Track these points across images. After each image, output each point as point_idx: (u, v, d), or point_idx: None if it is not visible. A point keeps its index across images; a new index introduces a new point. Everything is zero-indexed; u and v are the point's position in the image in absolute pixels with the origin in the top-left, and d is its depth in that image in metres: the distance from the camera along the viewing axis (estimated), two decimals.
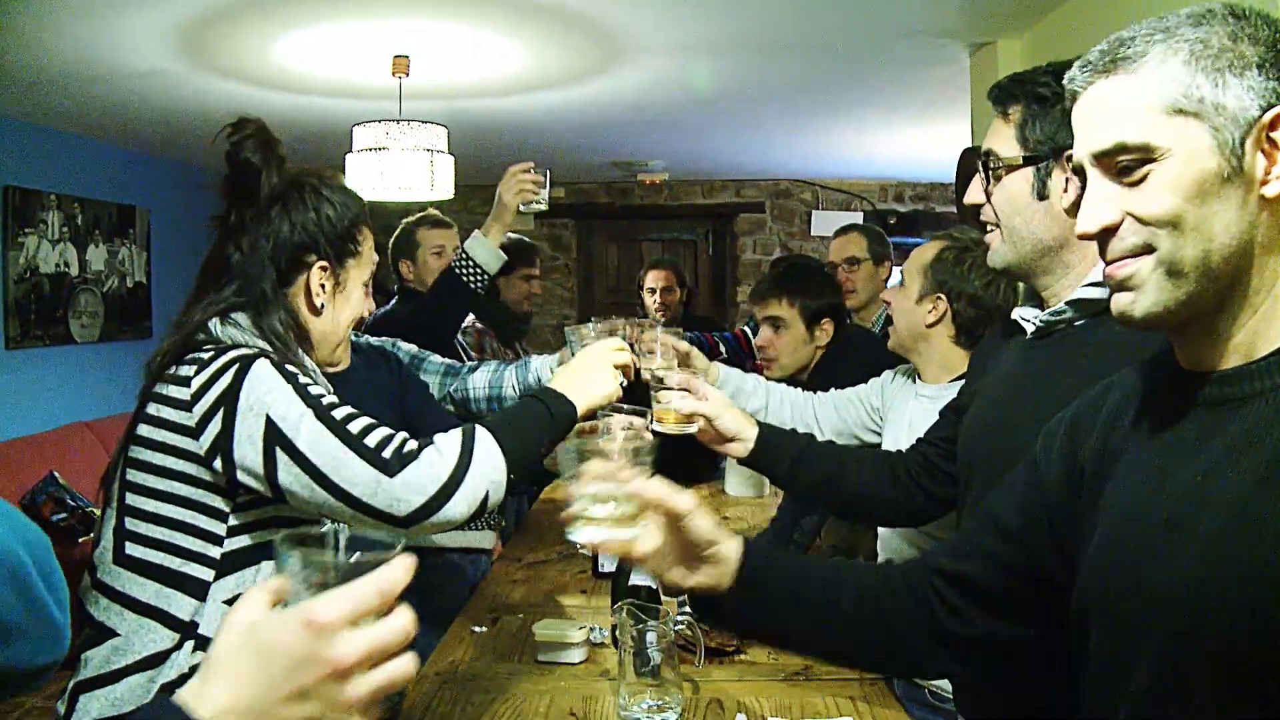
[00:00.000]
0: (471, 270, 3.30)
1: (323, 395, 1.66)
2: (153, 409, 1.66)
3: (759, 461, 2.20)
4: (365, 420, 1.68)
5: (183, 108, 5.56)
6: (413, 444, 1.67)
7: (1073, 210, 1.62)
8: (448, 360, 3.04)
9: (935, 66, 4.97)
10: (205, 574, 1.66)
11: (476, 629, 2.67)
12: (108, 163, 6.94)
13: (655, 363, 2.43)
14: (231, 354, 1.64)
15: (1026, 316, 1.75)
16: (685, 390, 2.14)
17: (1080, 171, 1.15)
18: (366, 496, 1.60)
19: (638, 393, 2.43)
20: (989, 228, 1.74)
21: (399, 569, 0.87)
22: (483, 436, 1.70)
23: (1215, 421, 1.09)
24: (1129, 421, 1.22)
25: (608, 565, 3.08)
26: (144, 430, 1.66)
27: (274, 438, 1.59)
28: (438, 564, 3.26)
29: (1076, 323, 1.65)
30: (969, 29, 4.43)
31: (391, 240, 4.04)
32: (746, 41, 4.66)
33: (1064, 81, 1.17)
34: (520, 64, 4.94)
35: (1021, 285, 1.84)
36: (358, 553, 0.90)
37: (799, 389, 2.82)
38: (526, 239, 4.36)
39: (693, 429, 2.15)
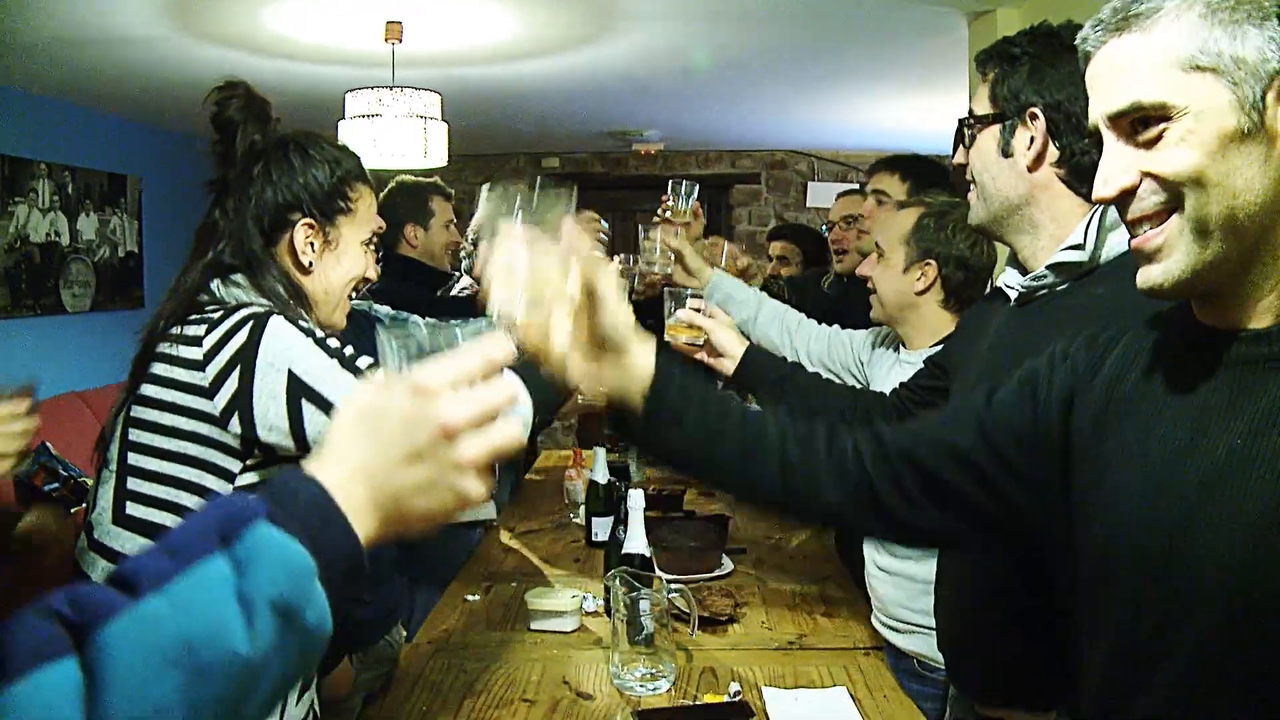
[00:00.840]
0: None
1: (343, 347, 1.64)
2: (160, 369, 1.62)
3: (742, 376, 2.29)
4: None
5: (174, 74, 5.51)
6: None
7: (1034, 165, 1.64)
8: (433, 320, 3.03)
9: (933, 36, 4.92)
10: None
11: (469, 597, 2.67)
12: (99, 131, 6.87)
13: (655, 266, 2.49)
14: (244, 312, 1.61)
15: (1010, 283, 1.75)
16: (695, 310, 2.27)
17: (1097, 135, 1.13)
18: None
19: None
20: (970, 188, 1.76)
21: (498, 342, 0.90)
22: (511, 379, 1.65)
23: (1251, 382, 1.06)
24: (1138, 374, 1.19)
25: (601, 534, 3.08)
26: (150, 390, 1.63)
27: (298, 390, 1.57)
28: (445, 532, 3.23)
29: (1059, 288, 1.66)
30: None
31: (393, 201, 3.77)
32: (743, 9, 4.61)
33: (1076, 42, 1.14)
34: (515, 30, 4.89)
35: (1005, 251, 1.84)
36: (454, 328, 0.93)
37: (799, 312, 2.81)
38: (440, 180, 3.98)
39: (700, 349, 2.30)
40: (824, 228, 4.48)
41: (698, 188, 2.83)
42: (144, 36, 4.85)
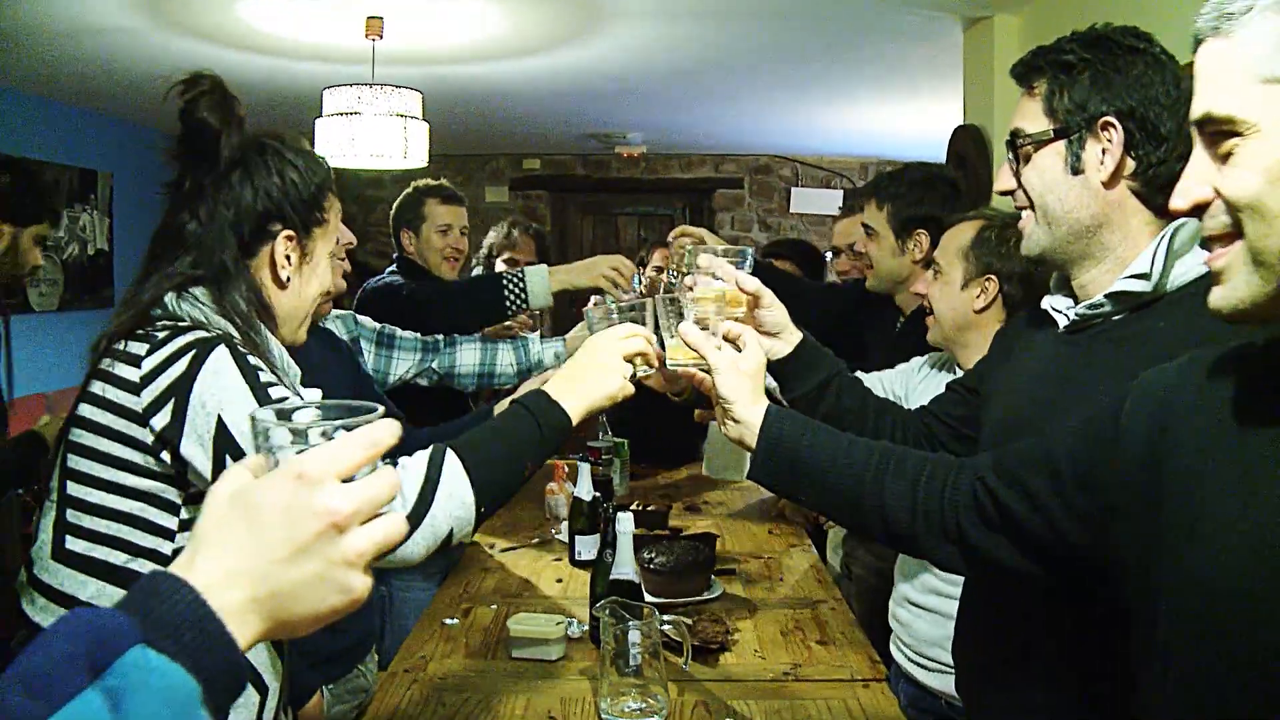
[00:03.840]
0: (517, 292, 3.17)
1: (285, 398, 1.49)
2: (97, 387, 1.49)
3: (789, 369, 1.93)
4: None
5: (145, 68, 5.36)
6: None
7: (1112, 182, 1.52)
8: (418, 335, 2.95)
9: (926, 41, 4.84)
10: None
11: (447, 621, 2.55)
12: (69, 125, 6.70)
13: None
14: (189, 336, 1.49)
15: (1058, 307, 1.62)
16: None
17: (1181, 142, 1.02)
18: None
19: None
20: (1024, 213, 1.62)
21: (385, 428, 0.83)
22: (451, 465, 1.50)
23: None
24: (1228, 413, 1.06)
25: (585, 553, 2.97)
26: (87, 411, 1.50)
27: (225, 443, 1.43)
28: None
29: (1114, 317, 1.53)
30: (963, 3, 4.30)
31: (395, 205, 3.88)
32: (730, 8, 4.51)
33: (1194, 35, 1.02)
34: (498, 27, 4.78)
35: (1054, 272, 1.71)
36: (339, 418, 0.85)
37: None
38: (448, 184, 3.99)
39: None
40: (828, 254, 4.36)
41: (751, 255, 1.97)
42: (115, 28, 4.71)
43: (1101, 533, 1.18)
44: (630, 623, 1.99)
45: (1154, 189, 1.50)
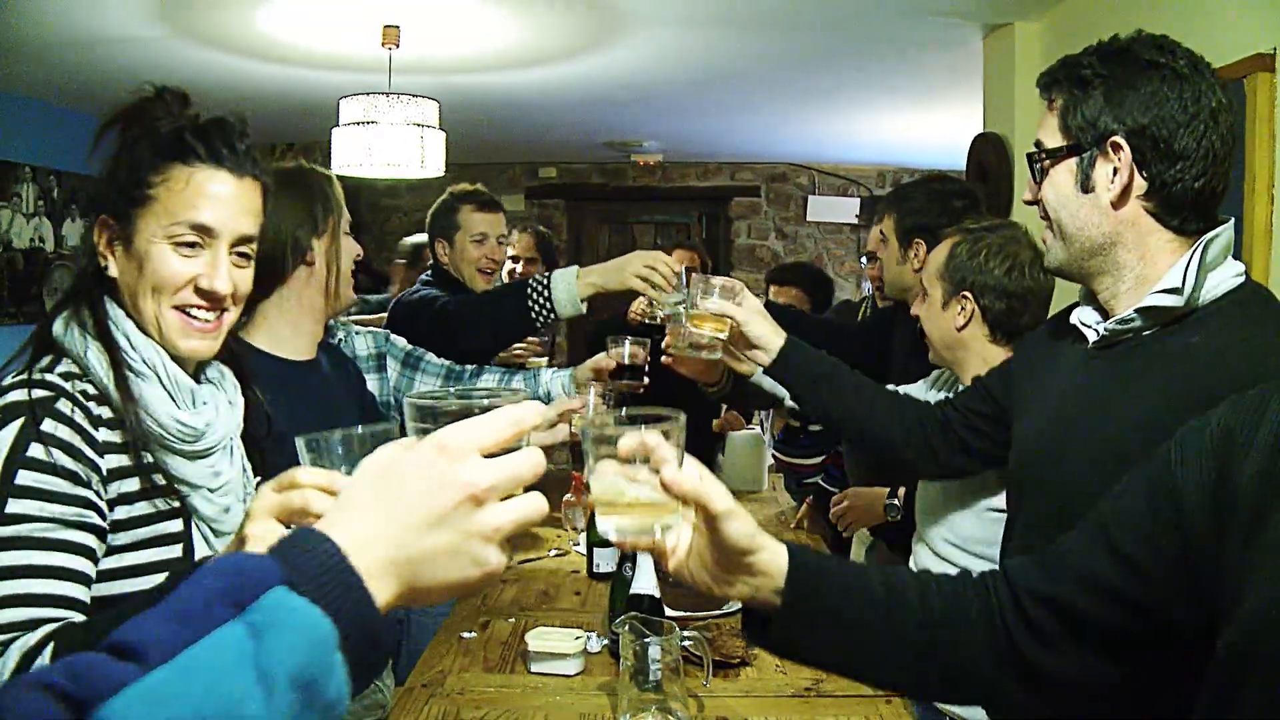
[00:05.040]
0: (542, 301, 2.85)
1: (18, 510, 1.32)
2: None
3: (778, 372, 2.16)
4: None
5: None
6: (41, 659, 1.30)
7: (1121, 201, 1.49)
8: (447, 361, 2.87)
9: (946, 48, 4.82)
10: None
11: (465, 635, 2.52)
12: (87, 134, 6.64)
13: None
14: (11, 397, 1.38)
15: (1088, 322, 1.60)
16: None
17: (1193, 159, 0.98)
18: None
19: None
20: (1045, 225, 1.61)
21: (529, 408, 0.85)
22: None
23: None
24: None
25: (604, 565, 2.94)
26: None
27: None
28: None
29: (1145, 333, 1.50)
30: (984, 9, 4.28)
31: (430, 212, 3.68)
32: (748, 16, 4.50)
33: None
34: (515, 37, 4.78)
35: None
36: (485, 397, 0.88)
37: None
38: (485, 190, 3.75)
39: (716, 354, 2.20)
40: (863, 259, 4.35)
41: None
42: (133, 38, 4.73)
43: (1176, 597, 1.11)
44: (650, 638, 1.96)
45: (1170, 209, 1.48)
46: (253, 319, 2.13)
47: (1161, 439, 1.15)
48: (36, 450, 1.33)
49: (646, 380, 2.77)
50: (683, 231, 9.33)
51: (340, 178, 2.39)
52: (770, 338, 2.15)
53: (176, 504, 1.51)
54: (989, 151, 4.35)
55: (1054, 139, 1.54)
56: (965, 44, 4.69)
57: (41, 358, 1.45)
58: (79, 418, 1.39)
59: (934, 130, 7.01)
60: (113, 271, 1.48)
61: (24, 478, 1.32)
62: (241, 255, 1.53)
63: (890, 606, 1.20)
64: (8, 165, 6.04)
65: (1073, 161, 1.52)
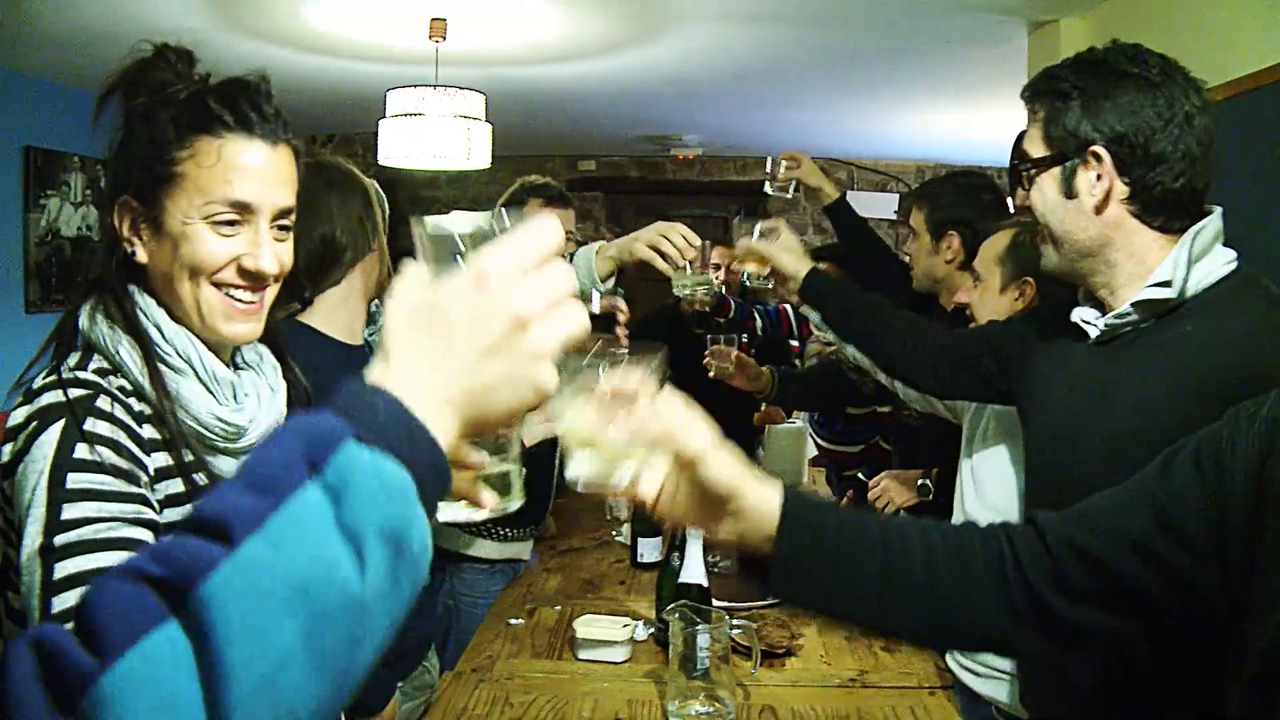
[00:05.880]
0: None
1: (76, 515, 1.19)
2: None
3: (806, 295, 2.33)
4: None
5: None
6: None
7: (1103, 206, 1.55)
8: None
9: (990, 45, 4.80)
10: None
11: (512, 621, 2.55)
12: None
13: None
14: (45, 400, 1.25)
15: (1088, 319, 1.66)
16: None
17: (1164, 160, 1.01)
18: None
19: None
20: (1039, 233, 1.69)
21: (549, 224, 0.83)
22: None
23: None
24: None
25: (647, 555, 2.98)
26: None
27: (47, 560, 1.17)
28: (487, 571, 3.09)
29: (1142, 325, 1.57)
30: (1030, 6, 4.25)
31: (498, 205, 3.52)
32: (792, 11, 4.50)
33: None
34: (561, 30, 4.80)
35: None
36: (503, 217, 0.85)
37: None
38: (555, 184, 3.58)
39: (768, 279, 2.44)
40: (906, 256, 4.35)
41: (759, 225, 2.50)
42: (179, 29, 4.76)
43: (1217, 572, 1.11)
44: (699, 626, 1.99)
45: (1151, 210, 1.54)
46: (315, 305, 2.16)
47: (1167, 424, 1.21)
48: (83, 451, 1.22)
49: (622, 333, 2.74)
50: (720, 226, 9.33)
51: (381, 169, 2.39)
52: (794, 266, 2.34)
53: None
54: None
55: (1038, 149, 1.62)
56: (1010, 40, 4.66)
57: (67, 355, 1.34)
58: (121, 414, 1.28)
59: (975, 127, 6.98)
60: (141, 257, 1.35)
61: (75, 480, 1.21)
62: (282, 228, 1.40)
63: (890, 554, 1.18)
64: (56, 155, 6.12)
65: (1057, 170, 1.60)
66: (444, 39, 4.60)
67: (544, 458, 3.09)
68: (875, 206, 8.89)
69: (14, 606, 1.26)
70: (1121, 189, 1.55)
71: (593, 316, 2.47)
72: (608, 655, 2.30)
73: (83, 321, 1.33)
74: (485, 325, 0.77)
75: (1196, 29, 3.31)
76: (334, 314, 2.17)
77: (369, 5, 4.42)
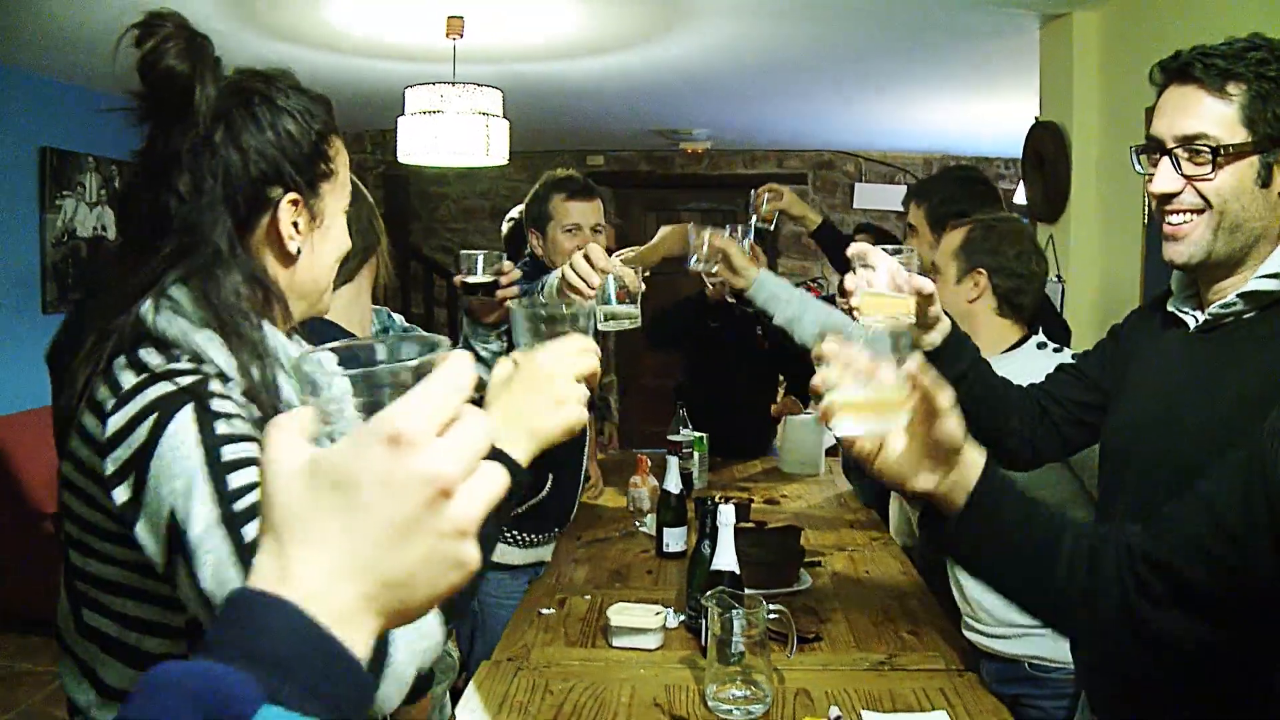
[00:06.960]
0: None
1: (251, 460, 1.18)
2: (74, 442, 1.26)
3: (936, 358, 1.97)
4: None
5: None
6: None
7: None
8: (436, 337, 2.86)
9: (1002, 37, 4.82)
10: (173, 648, 1.27)
11: (544, 611, 2.60)
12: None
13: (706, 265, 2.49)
14: (155, 391, 1.20)
15: (1186, 309, 1.67)
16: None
17: None
18: None
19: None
20: (1182, 216, 1.59)
21: (461, 362, 0.68)
22: None
23: None
24: None
25: (672, 545, 3.02)
26: (67, 469, 1.28)
27: (176, 543, 1.14)
28: (511, 574, 3.14)
29: (1245, 315, 1.56)
30: None
31: (525, 200, 3.41)
32: (806, 5, 4.53)
33: None
34: (577, 25, 4.83)
35: (1176, 275, 1.72)
36: (412, 358, 0.71)
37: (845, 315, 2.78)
38: (579, 176, 3.44)
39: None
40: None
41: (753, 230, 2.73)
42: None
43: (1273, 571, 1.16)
44: (735, 611, 2.03)
45: None
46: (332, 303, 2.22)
47: (1263, 416, 1.19)
48: (223, 426, 1.19)
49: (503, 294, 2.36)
50: (729, 219, 9.32)
51: (391, 165, 2.41)
52: (748, 269, 2.44)
53: None
54: (1047, 140, 4.37)
55: (1232, 131, 1.53)
56: (1022, 33, 4.68)
57: (120, 353, 1.27)
58: (234, 393, 1.25)
59: (983, 119, 7.00)
60: (291, 245, 1.36)
61: (229, 453, 1.18)
62: None
63: (1048, 537, 1.30)
64: (72, 155, 6.16)
65: (1255, 157, 1.53)
66: (461, 36, 4.63)
67: (570, 459, 3.13)
68: (883, 198, 8.92)
69: (78, 566, 1.29)
70: None
71: (466, 285, 2.30)
72: (641, 642, 2.34)
73: (148, 319, 1.26)
74: (401, 499, 0.63)
75: (1209, 22, 3.35)
76: (349, 311, 2.23)
77: (387, 4, 4.46)
